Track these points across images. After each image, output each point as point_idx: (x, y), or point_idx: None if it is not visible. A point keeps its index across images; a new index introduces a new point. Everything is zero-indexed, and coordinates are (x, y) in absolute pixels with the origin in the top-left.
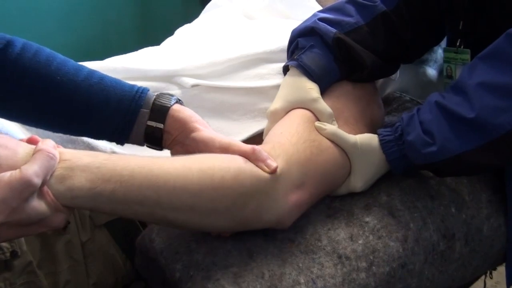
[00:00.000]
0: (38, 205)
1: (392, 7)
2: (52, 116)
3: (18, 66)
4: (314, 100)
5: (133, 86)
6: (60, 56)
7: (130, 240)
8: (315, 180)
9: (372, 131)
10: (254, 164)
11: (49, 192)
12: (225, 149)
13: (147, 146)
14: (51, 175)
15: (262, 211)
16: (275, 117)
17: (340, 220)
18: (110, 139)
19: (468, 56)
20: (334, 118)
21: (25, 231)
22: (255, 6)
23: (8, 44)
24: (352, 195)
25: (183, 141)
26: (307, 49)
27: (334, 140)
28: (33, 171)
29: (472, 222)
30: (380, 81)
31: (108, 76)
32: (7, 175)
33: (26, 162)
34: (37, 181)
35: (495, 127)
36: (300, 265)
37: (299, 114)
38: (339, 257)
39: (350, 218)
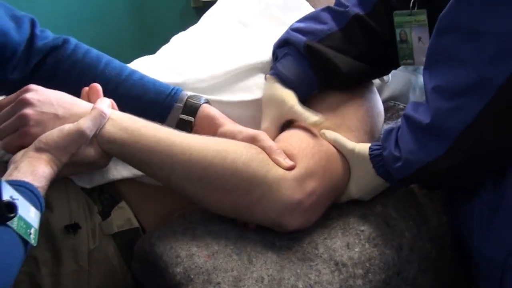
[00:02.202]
0: (89, 151)
1: (370, 10)
2: None
3: (73, 60)
4: (291, 107)
5: (168, 85)
6: (107, 56)
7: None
8: (323, 187)
9: (373, 138)
10: (273, 157)
11: (97, 143)
12: (250, 141)
13: None
14: (100, 129)
15: (266, 202)
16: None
17: (336, 230)
18: None
19: (424, 17)
20: (318, 116)
21: (80, 168)
22: (250, 11)
23: (65, 41)
24: (348, 206)
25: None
26: (282, 57)
27: (334, 145)
28: (87, 125)
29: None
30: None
31: (147, 75)
32: (66, 127)
33: (81, 117)
34: (89, 133)
35: (449, 130)
36: (298, 271)
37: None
38: (336, 264)
39: (346, 227)
